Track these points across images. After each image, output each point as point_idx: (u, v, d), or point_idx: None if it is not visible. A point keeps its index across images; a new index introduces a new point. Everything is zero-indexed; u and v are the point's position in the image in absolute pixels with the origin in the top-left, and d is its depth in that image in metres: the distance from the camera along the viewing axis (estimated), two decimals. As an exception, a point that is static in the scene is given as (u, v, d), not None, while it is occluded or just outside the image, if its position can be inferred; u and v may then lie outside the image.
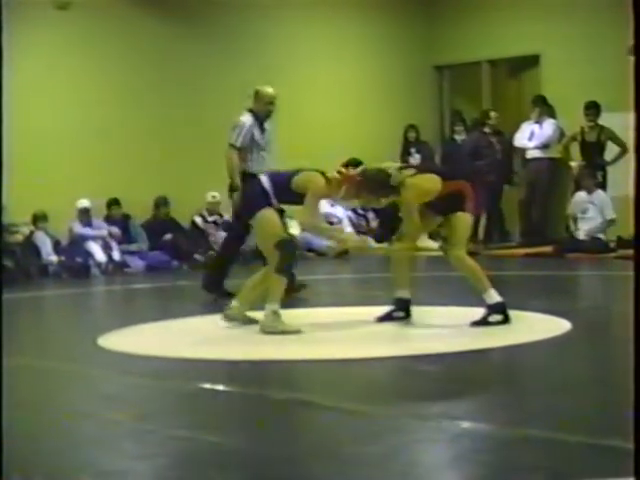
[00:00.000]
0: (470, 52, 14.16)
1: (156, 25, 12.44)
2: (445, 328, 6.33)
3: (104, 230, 11.54)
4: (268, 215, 6.40)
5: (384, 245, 6.42)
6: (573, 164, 12.30)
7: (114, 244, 11.54)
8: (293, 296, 7.69)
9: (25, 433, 3.78)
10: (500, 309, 6.22)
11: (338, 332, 6.36)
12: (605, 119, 12.12)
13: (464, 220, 6.39)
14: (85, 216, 11.46)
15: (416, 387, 4.77)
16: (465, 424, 3.85)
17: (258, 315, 6.48)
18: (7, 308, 5.92)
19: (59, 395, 4.82)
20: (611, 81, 12.74)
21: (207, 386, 4.77)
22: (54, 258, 11.01)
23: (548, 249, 11.65)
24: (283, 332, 6.19)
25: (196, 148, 12.58)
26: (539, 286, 9.16)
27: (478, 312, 6.28)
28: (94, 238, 11.40)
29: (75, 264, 11.04)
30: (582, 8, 13.10)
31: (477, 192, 6.50)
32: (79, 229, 11.42)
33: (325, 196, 6.58)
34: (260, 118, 8.29)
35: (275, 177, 6.51)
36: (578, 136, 12.26)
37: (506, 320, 6.21)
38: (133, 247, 11.79)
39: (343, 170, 6.56)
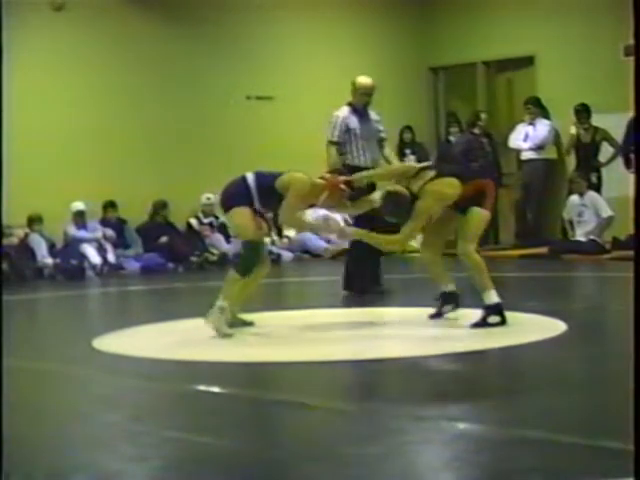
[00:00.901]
0: (465, 53, 14.16)
1: (152, 26, 12.43)
2: (439, 330, 6.32)
3: (99, 232, 11.53)
4: (243, 212, 6.28)
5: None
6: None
7: (109, 246, 11.53)
8: (378, 294, 7.87)
9: (20, 435, 3.77)
10: (498, 310, 6.21)
11: (333, 333, 6.36)
12: (599, 120, 12.13)
13: (479, 215, 6.34)
14: (80, 219, 11.46)
15: (413, 388, 4.77)
16: (462, 425, 3.85)
17: (251, 317, 6.50)
18: (3, 310, 5.92)
19: (54, 397, 4.81)
20: (605, 82, 12.77)
21: (202, 388, 4.76)
22: (49, 260, 11.00)
23: (543, 250, 11.66)
24: (217, 330, 6.13)
25: (191, 150, 12.59)
26: (534, 287, 9.16)
27: (469, 314, 6.28)
28: (89, 240, 11.39)
29: (70, 266, 11.03)
30: (577, 9, 13.11)
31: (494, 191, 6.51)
32: (74, 231, 11.41)
33: (306, 199, 6.39)
34: (358, 109, 8.19)
35: (262, 178, 6.39)
36: (573, 137, 12.27)
37: (503, 322, 6.22)
38: (129, 252, 11.78)
39: (327, 176, 6.49)
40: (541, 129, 12.75)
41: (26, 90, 11.08)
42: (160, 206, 12.04)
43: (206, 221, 12.43)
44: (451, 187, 6.30)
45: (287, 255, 12.63)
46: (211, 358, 5.56)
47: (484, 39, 14.02)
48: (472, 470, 3.29)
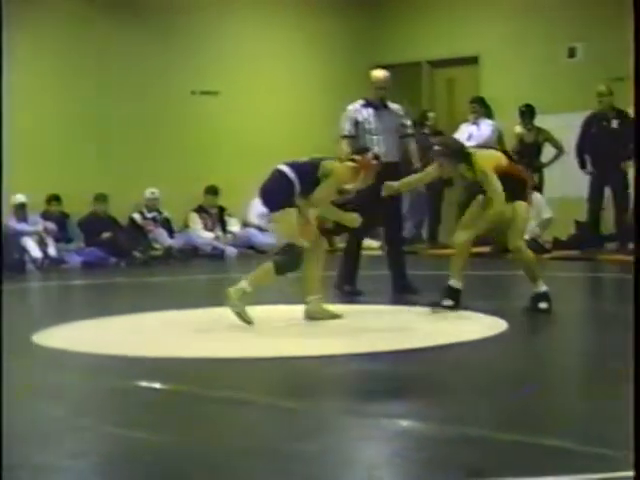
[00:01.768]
0: (410, 52, 14.23)
1: (98, 23, 12.32)
2: (383, 327, 6.35)
3: (40, 226, 11.40)
4: (289, 217, 6.38)
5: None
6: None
7: (50, 240, 11.40)
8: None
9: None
10: (546, 297, 6.75)
11: (278, 330, 6.36)
12: (542, 121, 12.25)
13: (524, 210, 6.80)
14: (21, 211, 11.32)
15: (355, 385, 4.78)
16: (403, 422, 3.86)
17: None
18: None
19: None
20: (549, 83, 12.91)
21: (143, 384, 4.73)
22: (-12, 253, 10.85)
23: (486, 249, 11.74)
24: (239, 315, 6.25)
25: (136, 144, 12.51)
26: (478, 286, 9.21)
27: (419, 312, 6.31)
28: (29, 234, 11.26)
29: (10, 260, 10.89)
30: (521, 10, 13.24)
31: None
32: (14, 224, 11.26)
33: (346, 184, 6.57)
34: (373, 103, 8.13)
35: (300, 168, 6.46)
36: (516, 137, 12.37)
37: (549, 308, 6.72)
38: (71, 246, 11.66)
39: (357, 158, 6.64)
40: (485, 129, 12.82)
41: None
42: (100, 199, 11.93)
43: (149, 216, 12.35)
44: (496, 156, 6.89)
45: (231, 251, 12.60)
46: (152, 354, 5.53)
47: (429, 38, 14.10)
48: (412, 467, 3.30)
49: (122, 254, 11.69)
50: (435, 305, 6.80)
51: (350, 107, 8.19)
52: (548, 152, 12.24)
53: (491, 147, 12.23)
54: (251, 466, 3.33)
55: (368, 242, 10.40)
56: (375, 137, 7.98)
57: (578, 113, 11.80)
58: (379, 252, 10.37)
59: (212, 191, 12.76)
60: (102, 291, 9.55)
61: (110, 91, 12.37)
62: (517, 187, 6.76)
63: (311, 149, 13.33)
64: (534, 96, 12.38)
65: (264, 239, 12.69)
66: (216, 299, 7.87)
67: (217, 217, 12.87)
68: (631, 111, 11.41)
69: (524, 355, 5.59)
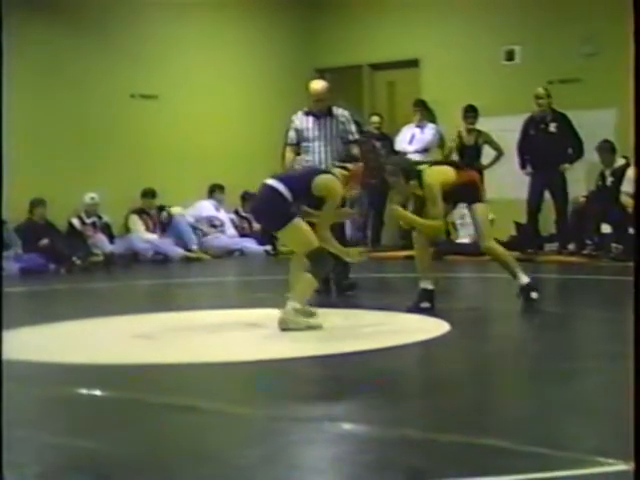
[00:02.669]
0: (351, 55, 14.27)
1: (36, 25, 12.15)
2: (323, 330, 6.33)
3: (-27, 232, 11.20)
4: (295, 227, 6.28)
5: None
6: None
7: (-15, 247, 11.21)
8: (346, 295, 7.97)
9: None
10: (533, 287, 6.82)
11: (217, 335, 6.32)
12: (481, 123, 12.36)
13: (483, 210, 7.00)
14: (-45, 218, 11.12)
15: (296, 389, 4.76)
16: (345, 425, 3.86)
17: (137, 319, 6.41)
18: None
19: None
20: (488, 86, 13.03)
21: (84, 391, 4.67)
22: None
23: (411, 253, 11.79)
24: (309, 327, 6.18)
25: (74, 148, 12.37)
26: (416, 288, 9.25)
27: (365, 315, 6.31)
28: (-36, 241, 11.07)
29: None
30: (461, 13, 13.35)
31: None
32: (-51, 232, 11.07)
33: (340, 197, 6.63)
34: (312, 113, 8.21)
35: (291, 184, 6.35)
36: (456, 139, 12.45)
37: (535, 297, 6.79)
38: (8, 253, 11.46)
39: (350, 166, 6.75)
40: (427, 132, 12.90)
41: None
42: (37, 204, 11.75)
43: (89, 221, 12.21)
44: (446, 173, 7.04)
45: (175, 252, 12.45)
46: (92, 361, 5.46)
47: (370, 42, 14.15)
48: (354, 469, 3.30)
49: (61, 260, 11.51)
50: (413, 309, 6.82)
51: (293, 116, 8.36)
52: (488, 154, 12.35)
53: (433, 149, 12.41)
54: (195, 473, 3.30)
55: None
56: (311, 144, 8.13)
57: (517, 116, 11.92)
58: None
59: (149, 194, 12.64)
60: (41, 298, 9.43)
61: (47, 94, 12.22)
62: (469, 191, 6.95)
63: (250, 153, 13.49)
64: (474, 99, 12.48)
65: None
66: (157, 304, 7.81)
67: (157, 217, 12.74)
68: (569, 113, 11.58)
69: (465, 356, 5.61)
